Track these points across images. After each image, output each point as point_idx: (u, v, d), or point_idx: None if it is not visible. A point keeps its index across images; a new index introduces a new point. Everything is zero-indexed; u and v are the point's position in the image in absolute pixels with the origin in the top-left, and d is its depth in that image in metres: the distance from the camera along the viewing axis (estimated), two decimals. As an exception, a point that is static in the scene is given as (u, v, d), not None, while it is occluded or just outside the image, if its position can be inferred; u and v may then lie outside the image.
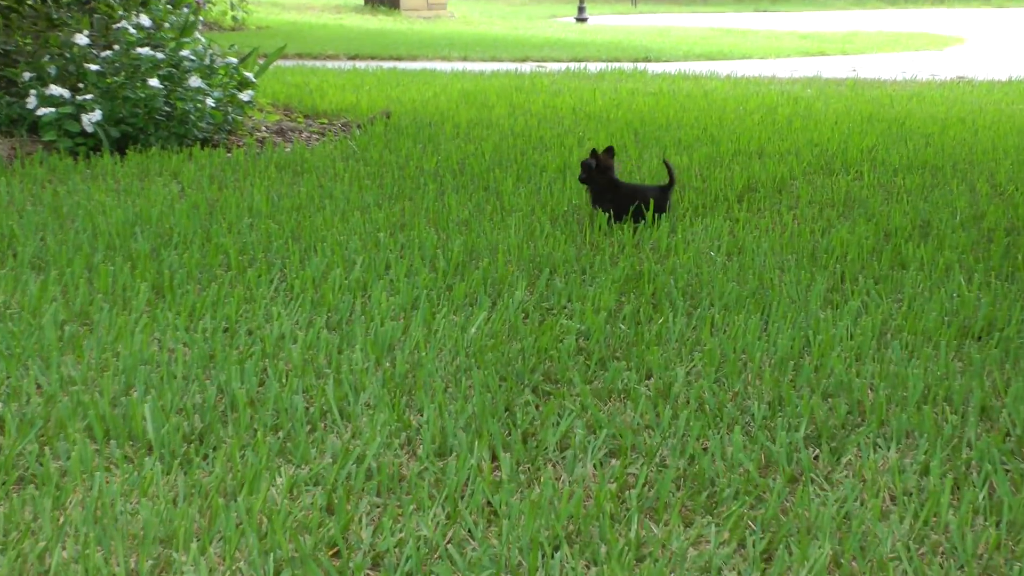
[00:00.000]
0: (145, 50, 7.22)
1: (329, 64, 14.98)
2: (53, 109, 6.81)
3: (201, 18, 8.59)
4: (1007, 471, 2.82)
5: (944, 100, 10.80)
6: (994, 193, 6.08)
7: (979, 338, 3.81)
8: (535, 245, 4.88)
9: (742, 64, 16.67)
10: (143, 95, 6.94)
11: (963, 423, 3.09)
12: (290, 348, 3.58)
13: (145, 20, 7.60)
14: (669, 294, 4.21)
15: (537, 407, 3.21)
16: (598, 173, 5.24)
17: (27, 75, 7.21)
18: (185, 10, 8.27)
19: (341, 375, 3.35)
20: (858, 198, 5.92)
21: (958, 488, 2.74)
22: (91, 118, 6.78)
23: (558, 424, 3.06)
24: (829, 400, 3.25)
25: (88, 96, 6.90)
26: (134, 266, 4.42)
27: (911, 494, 2.70)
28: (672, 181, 5.29)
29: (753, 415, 3.12)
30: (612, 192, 5.27)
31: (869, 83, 12.74)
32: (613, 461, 2.88)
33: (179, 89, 7.19)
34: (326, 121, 8.87)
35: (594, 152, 5.24)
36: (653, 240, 5.01)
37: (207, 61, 7.64)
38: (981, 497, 2.67)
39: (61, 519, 2.52)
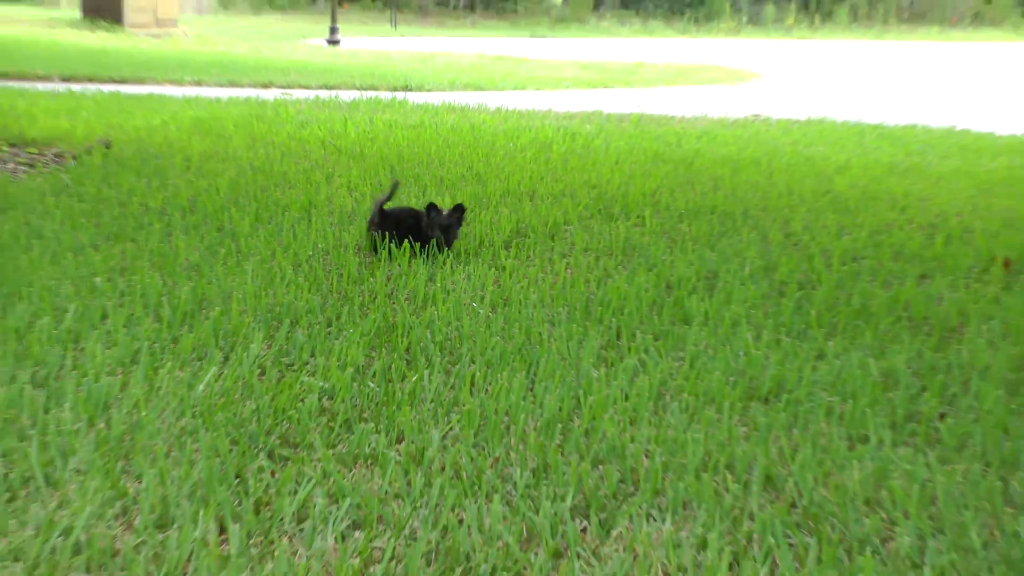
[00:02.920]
0: None
1: (40, 86, 14.65)
2: None
3: None
4: (791, 545, 2.99)
5: (737, 139, 11.30)
6: (787, 242, 6.40)
7: (766, 400, 4.01)
8: (275, 293, 4.91)
9: (515, 96, 17.06)
10: None
11: (745, 493, 3.25)
12: (-14, 407, 3.53)
13: None
14: (425, 349, 4.29)
15: (272, 473, 3.24)
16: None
17: None
18: None
19: (47, 437, 3.32)
20: (639, 246, 6.14)
21: (737, 564, 2.89)
22: None
23: (296, 492, 3.10)
24: (600, 467, 3.37)
25: None
26: None
27: (686, 570, 2.83)
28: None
29: (515, 483, 3.22)
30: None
31: (655, 119, 13.23)
32: (357, 533, 2.93)
33: None
34: (36, 151, 8.73)
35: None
36: (409, 290, 5.10)
37: None
38: (762, 572, 2.82)
39: None
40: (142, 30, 29.94)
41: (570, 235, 6.40)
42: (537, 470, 3.31)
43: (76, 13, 33.46)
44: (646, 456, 3.47)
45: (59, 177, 7.39)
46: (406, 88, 17.36)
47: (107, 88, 14.67)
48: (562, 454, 3.44)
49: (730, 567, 2.86)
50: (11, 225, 5.91)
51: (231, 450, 3.34)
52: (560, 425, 3.64)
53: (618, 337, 4.62)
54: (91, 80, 16.48)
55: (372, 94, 15.46)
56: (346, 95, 15.01)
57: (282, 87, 16.90)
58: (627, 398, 3.91)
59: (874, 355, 4.49)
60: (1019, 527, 3.07)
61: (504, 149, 9.69)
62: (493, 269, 5.52)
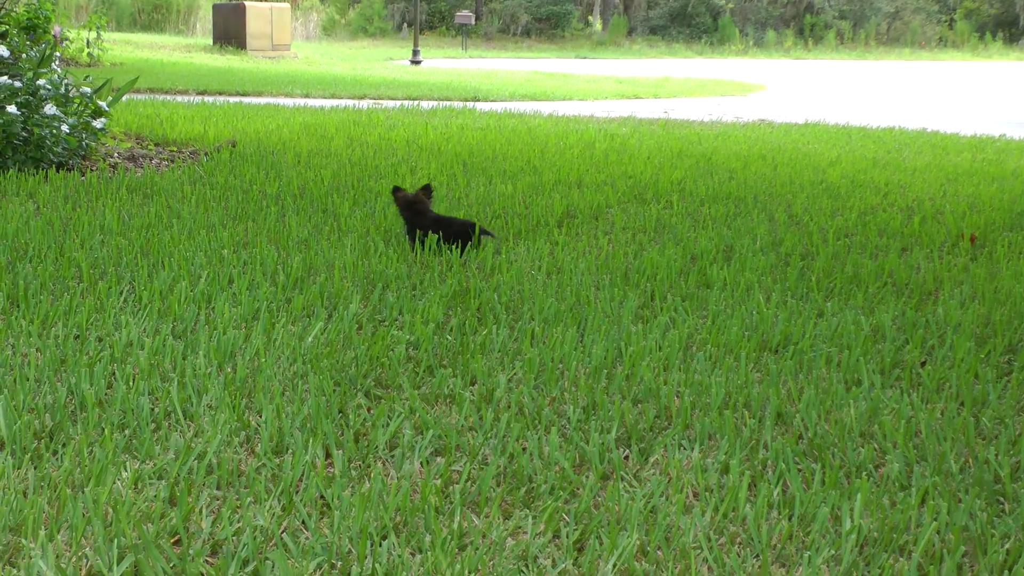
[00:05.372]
0: (3, 79, 7.19)
1: (179, 98, 14.69)
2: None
3: (58, 54, 8.50)
4: (799, 470, 2.92)
5: (747, 139, 11.16)
6: (791, 222, 6.30)
7: (776, 351, 3.95)
8: (369, 263, 4.88)
9: (563, 105, 16.93)
10: (1, 120, 6.88)
11: (760, 427, 3.19)
12: (137, 354, 3.54)
13: (3, 51, 7.58)
14: (493, 308, 4.25)
15: (369, 409, 3.21)
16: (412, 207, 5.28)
17: None
18: (43, 45, 8.23)
19: (185, 379, 3.32)
20: (667, 225, 6.06)
21: (755, 485, 2.83)
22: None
23: (388, 425, 3.07)
24: (639, 405, 3.32)
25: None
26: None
27: (712, 490, 2.78)
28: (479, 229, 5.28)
29: (569, 418, 3.17)
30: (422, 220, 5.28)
31: (679, 123, 13.08)
32: (438, 459, 2.89)
33: (36, 116, 7.13)
34: (175, 149, 8.77)
35: (427, 189, 5.32)
36: (479, 260, 5.06)
37: (63, 91, 7.56)
38: (775, 493, 2.75)
39: None
40: (261, 53, 29.94)
41: (611, 216, 6.33)
42: (587, 408, 3.27)
43: (208, 40, 33.52)
44: (677, 396, 3.41)
45: (194, 170, 7.41)
46: (475, 99, 17.27)
47: (233, 99, 14.70)
48: (607, 394, 3.39)
49: (748, 488, 2.80)
50: (156, 208, 5.93)
51: (334, 390, 3.32)
52: (605, 371, 3.60)
53: (652, 299, 4.56)
54: (220, 93, 16.52)
55: (447, 103, 15.39)
56: (426, 104, 14.96)
57: (374, 98, 16.85)
58: (660, 349, 3.85)
59: (865, 313, 4.41)
60: (988, 455, 2.99)
61: (555, 147, 9.61)
62: (548, 243, 5.46)
